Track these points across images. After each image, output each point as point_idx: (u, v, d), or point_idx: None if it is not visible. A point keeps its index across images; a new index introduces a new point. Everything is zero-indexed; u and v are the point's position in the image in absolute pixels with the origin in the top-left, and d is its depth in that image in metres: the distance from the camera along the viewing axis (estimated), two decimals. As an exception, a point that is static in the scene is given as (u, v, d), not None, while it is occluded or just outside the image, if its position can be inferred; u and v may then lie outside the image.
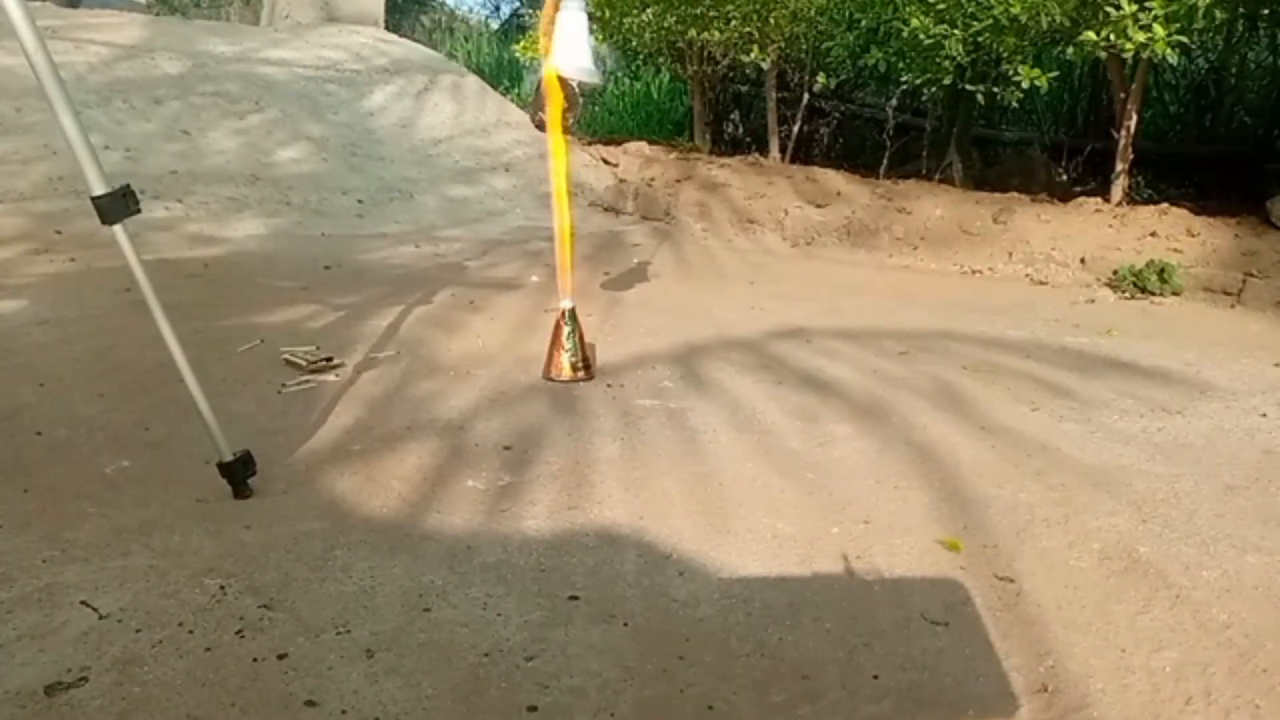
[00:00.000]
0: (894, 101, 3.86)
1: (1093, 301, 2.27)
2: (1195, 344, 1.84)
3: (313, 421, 1.25)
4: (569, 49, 1.41)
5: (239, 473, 1.01)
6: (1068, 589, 0.82)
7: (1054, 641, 0.77)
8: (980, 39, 2.76)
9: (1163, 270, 2.34)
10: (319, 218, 2.87)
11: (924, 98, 3.65)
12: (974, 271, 2.61)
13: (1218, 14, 2.27)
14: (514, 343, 1.67)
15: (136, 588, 0.82)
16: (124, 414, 1.24)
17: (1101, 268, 2.47)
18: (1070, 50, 2.59)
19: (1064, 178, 3.67)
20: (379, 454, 1.15)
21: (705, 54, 3.85)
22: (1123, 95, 2.87)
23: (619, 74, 5.34)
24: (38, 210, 2.45)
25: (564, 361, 1.45)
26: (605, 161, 3.91)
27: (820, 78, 3.62)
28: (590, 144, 4.16)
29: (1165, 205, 2.78)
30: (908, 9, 2.83)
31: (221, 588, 0.83)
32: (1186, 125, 3.86)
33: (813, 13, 3.32)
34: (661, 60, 4.28)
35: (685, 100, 5.01)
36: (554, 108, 1.41)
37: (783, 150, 3.84)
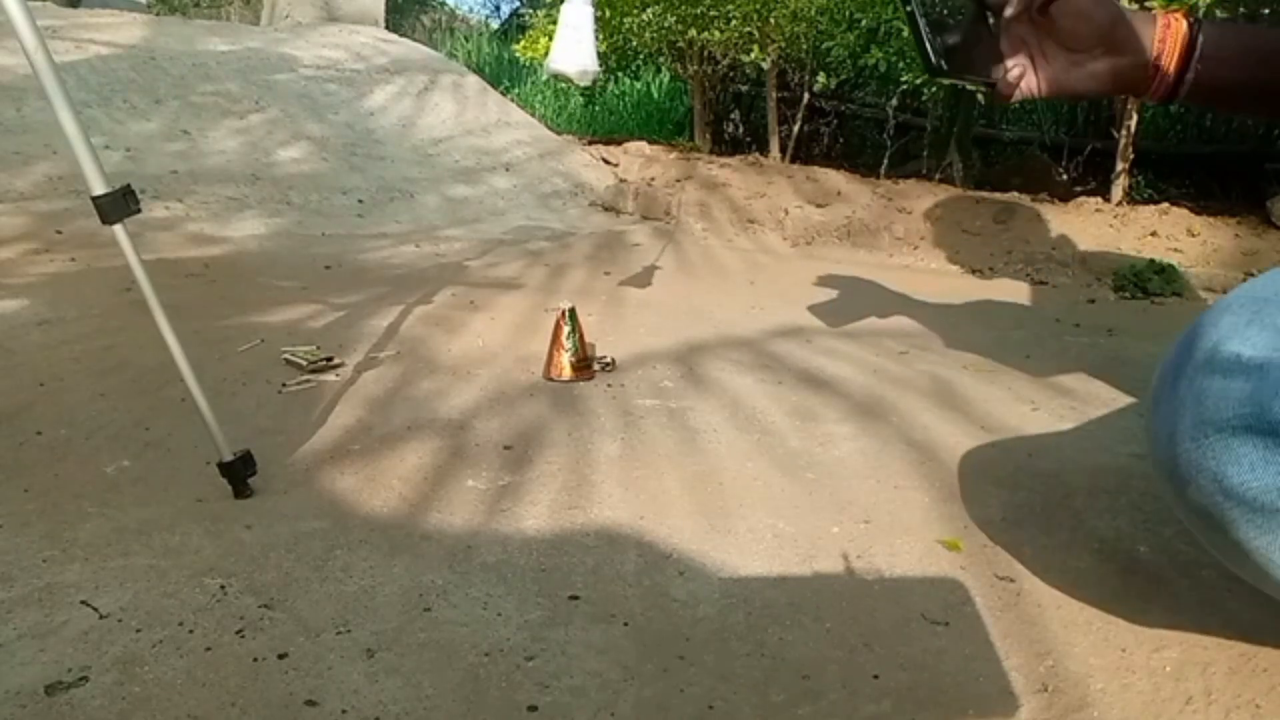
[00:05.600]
0: (894, 101, 3.86)
1: (1093, 301, 2.27)
2: (1195, 344, 1.84)
3: (313, 421, 1.25)
4: (570, 44, 1.39)
5: (239, 472, 1.01)
6: (1068, 589, 0.82)
7: (1054, 641, 0.77)
8: (980, 39, 2.75)
9: (1163, 270, 2.34)
10: (319, 217, 2.87)
11: (924, 98, 3.65)
12: (974, 271, 2.62)
13: (1218, 14, 2.26)
14: (514, 342, 1.67)
15: (137, 587, 0.82)
16: (124, 414, 1.24)
17: (1102, 267, 2.48)
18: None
19: (1064, 178, 3.67)
20: (379, 454, 1.15)
21: (705, 54, 3.85)
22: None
23: (619, 74, 5.33)
24: (38, 210, 2.45)
25: (564, 361, 1.45)
26: (605, 161, 3.91)
27: (820, 77, 3.62)
28: (590, 144, 4.16)
29: (1165, 205, 2.78)
30: (908, 7, 2.83)
31: (222, 587, 0.83)
32: (1186, 125, 3.86)
33: (813, 12, 3.32)
34: (662, 60, 4.28)
35: (685, 100, 5.02)
36: None
37: (783, 150, 3.84)
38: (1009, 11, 0.88)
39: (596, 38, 1.36)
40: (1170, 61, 0.85)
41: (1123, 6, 0.88)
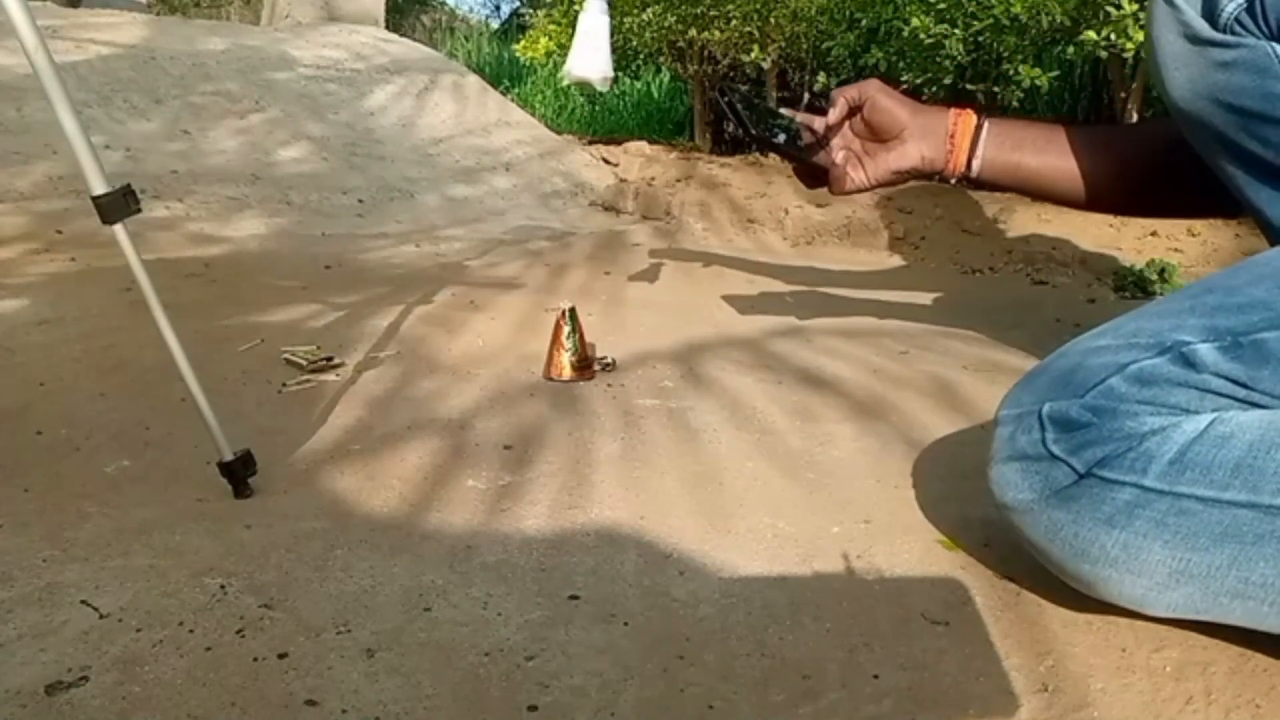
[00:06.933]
0: (894, 101, 3.84)
1: (1093, 301, 2.27)
2: (1196, 343, 1.83)
3: (313, 421, 1.25)
4: (586, 52, 1.40)
5: (239, 472, 1.01)
6: (1068, 588, 0.82)
7: (1054, 641, 0.77)
8: (981, 38, 2.76)
9: (1163, 270, 2.34)
10: (320, 217, 2.87)
11: (924, 97, 3.65)
12: (974, 271, 2.61)
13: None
14: (514, 342, 1.67)
15: (137, 587, 0.82)
16: (124, 413, 1.24)
17: (1102, 267, 2.48)
18: (1071, 49, 2.59)
19: (1064, 177, 3.66)
20: (379, 453, 1.15)
21: (706, 54, 3.84)
22: (1123, 95, 2.87)
23: (619, 74, 5.33)
24: (38, 210, 2.45)
25: (564, 361, 1.45)
26: (605, 161, 3.91)
27: (820, 77, 3.62)
28: (590, 143, 4.16)
29: (1166, 205, 2.77)
30: (908, 9, 2.83)
31: (222, 587, 0.83)
32: (1187, 125, 3.85)
33: (813, 12, 3.32)
34: (662, 60, 4.28)
35: (685, 100, 5.02)
36: None
37: (783, 150, 3.83)
38: (831, 118, 1.13)
39: (612, 43, 1.38)
40: (962, 142, 1.08)
41: (919, 104, 1.12)
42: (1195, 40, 0.83)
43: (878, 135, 1.12)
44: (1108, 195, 1.13)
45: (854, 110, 1.13)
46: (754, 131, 1.12)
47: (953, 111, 1.09)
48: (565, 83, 1.51)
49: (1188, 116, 0.88)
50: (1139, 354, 0.72)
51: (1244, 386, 0.70)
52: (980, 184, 1.14)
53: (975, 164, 1.09)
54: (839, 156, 1.15)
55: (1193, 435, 0.68)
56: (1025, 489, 0.74)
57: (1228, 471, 0.66)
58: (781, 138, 1.14)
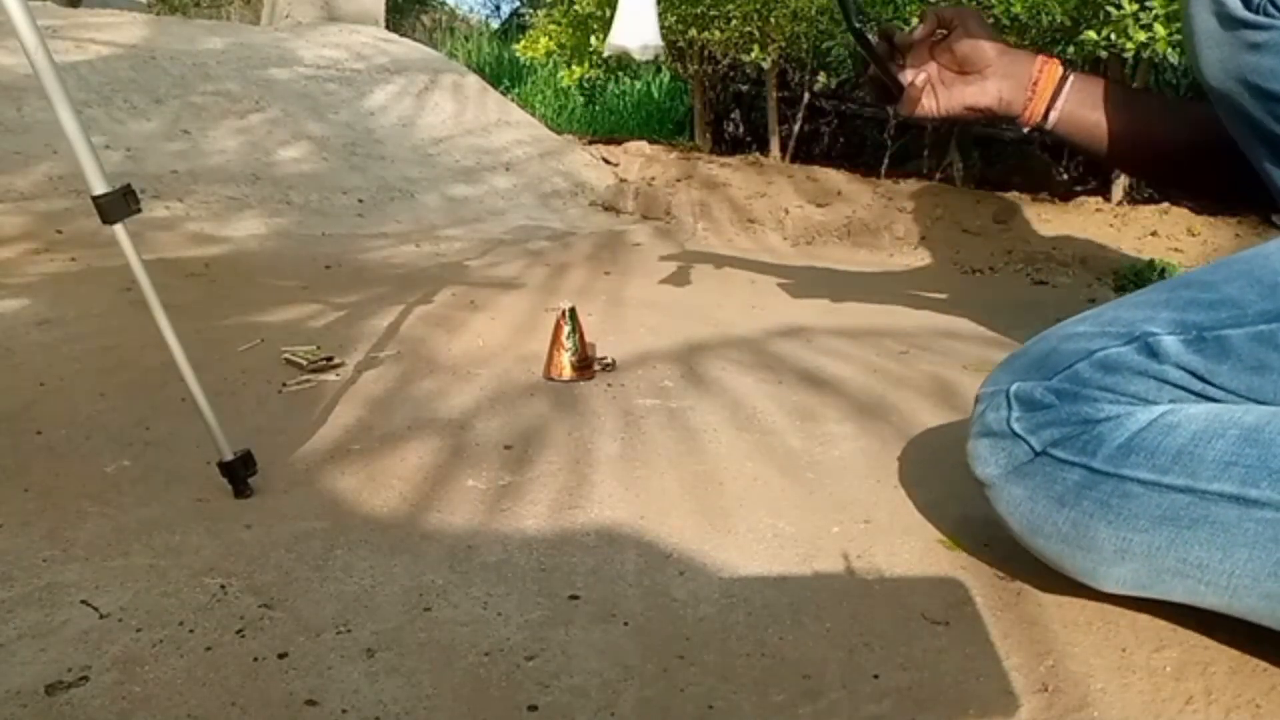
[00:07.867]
0: (894, 101, 3.84)
1: (1093, 301, 2.27)
2: (1196, 343, 1.83)
3: (313, 421, 1.25)
4: (631, 18, 1.34)
5: (240, 472, 1.01)
6: (1068, 588, 0.82)
7: (1054, 641, 0.77)
8: (981, 38, 2.75)
9: (1164, 270, 2.34)
10: (320, 217, 2.87)
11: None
12: (974, 271, 2.61)
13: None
14: (515, 342, 1.67)
15: (137, 587, 0.82)
16: (124, 413, 1.24)
17: (1102, 267, 2.48)
18: (1071, 49, 2.59)
19: (1064, 177, 3.66)
20: (379, 453, 1.15)
21: (705, 53, 3.84)
22: (1123, 94, 2.87)
23: (619, 73, 5.33)
24: (39, 210, 2.45)
25: (564, 361, 1.45)
26: (606, 161, 3.91)
27: (820, 77, 3.62)
28: (590, 143, 4.16)
29: (1166, 205, 2.78)
30: (908, 8, 2.83)
31: (222, 587, 0.83)
32: (1187, 125, 3.85)
33: (813, 12, 3.32)
34: (662, 60, 4.27)
35: (685, 100, 5.01)
36: None
37: (783, 149, 3.83)
38: (918, 34, 1.11)
39: (658, 10, 1.32)
40: (1044, 92, 1.07)
41: (1008, 46, 1.09)
42: (1227, 20, 0.81)
43: (960, 66, 1.09)
44: (1178, 169, 1.10)
45: (941, 34, 1.10)
46: (856, 25, 1.09)
47: (1040, 59, 1.07)
48: (605, 54, 1.45)
49: (1218, 96, 0.86)
50: (1109, 341, 0.75)
51: (1201, 380, 0.72)
52: (1050, 135, 1.11)
53: (1052, 116, 1.07)
54: (918, 79, 1.11)
55: (1144, 423, 0.71)
56: (992, 464, 0.78)
57: (1169, 458, 0.69)
58: (873, 39, 1.11)
